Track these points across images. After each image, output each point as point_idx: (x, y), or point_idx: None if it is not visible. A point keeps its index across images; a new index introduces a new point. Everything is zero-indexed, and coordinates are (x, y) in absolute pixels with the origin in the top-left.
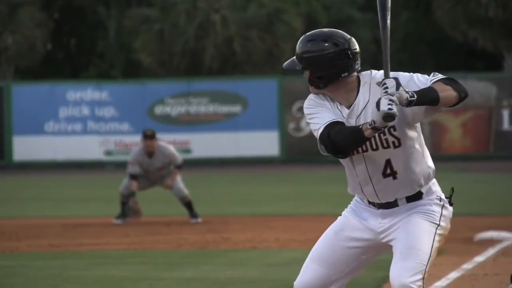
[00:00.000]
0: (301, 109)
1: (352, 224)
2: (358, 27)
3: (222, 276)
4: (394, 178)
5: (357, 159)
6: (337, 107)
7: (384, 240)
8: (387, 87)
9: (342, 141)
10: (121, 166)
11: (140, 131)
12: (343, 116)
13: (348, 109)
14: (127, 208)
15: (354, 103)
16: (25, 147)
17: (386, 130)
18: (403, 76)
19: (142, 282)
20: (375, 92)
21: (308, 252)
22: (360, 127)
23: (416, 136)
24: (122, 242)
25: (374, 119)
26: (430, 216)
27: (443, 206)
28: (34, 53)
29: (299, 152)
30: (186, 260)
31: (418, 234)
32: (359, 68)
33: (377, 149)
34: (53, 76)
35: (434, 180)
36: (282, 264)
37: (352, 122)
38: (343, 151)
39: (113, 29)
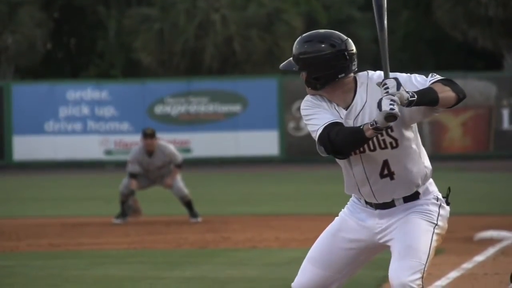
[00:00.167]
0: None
1: (349, 225)
2: (358, 26)
3: (222, 276)
4: (392, 178)
5: (354, 160)
6: (335, 108)
7: (381, 241)
8: (387, 87)
9: (342, 142)
10: (121, 165)
11: (140, 130)
12: (341, 117)
13: (346, 110)
14: (127, 207)
15: (352, 104)
16: (25, 147)
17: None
18: (401, 76)
19: (142, 281)
20: (373, 92)
21: (308, 252)
22: (361, 127)
23: (413, 137)
24: (122, 241)
25: (375, 119)
26: (428, 216)
27: (440, 206)
28: (34, 52)
29: (299, 151)
30: (186, 259)
31: (416, 233)
32: (356, 69)
33: (374, 150)
34: (53, 75)
35: (431, 180)
36: (282, 264)
37: (350, 123)
38: (343, 152)
39: (113, 28)
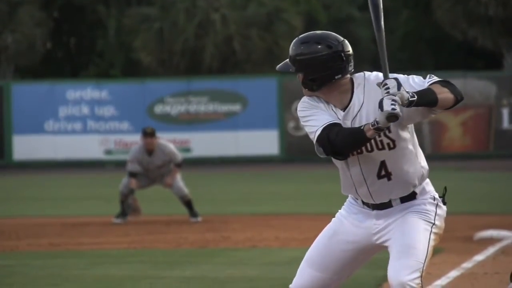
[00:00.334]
0: None
1: (346, 227)
2: (357, 26)
3: (222, 275)
4: (389, 179)
5: (352, 161)
6: (332, 109)
7: (378, 242)
8: (388, 88)
9: (342, 143)
10: (121, 165)
11: (140, 130)
12: (338, 118)
13: (343, 111)
14: (126, 206)
15: (350, 105)
16: (25, 146)
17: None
18: (399, 77)
19: (142, 281)
20: (370, 93)
21: (306, 253)
22: (362, 128)
23: (409, 137)
24: (122, 241)
25: (377, 120)
26: (425, 215)
27: (437, 205)
28: (34, 52)
29: (298, 151)
30: (186, 259)
31: (414, 233)
32: (353, 70)
33: (372, 150)
34: (53, 75)
35: (427, 180)
36: (282, 263)
37: (347, 124)
38: (342, 152)
39: (113, 28)
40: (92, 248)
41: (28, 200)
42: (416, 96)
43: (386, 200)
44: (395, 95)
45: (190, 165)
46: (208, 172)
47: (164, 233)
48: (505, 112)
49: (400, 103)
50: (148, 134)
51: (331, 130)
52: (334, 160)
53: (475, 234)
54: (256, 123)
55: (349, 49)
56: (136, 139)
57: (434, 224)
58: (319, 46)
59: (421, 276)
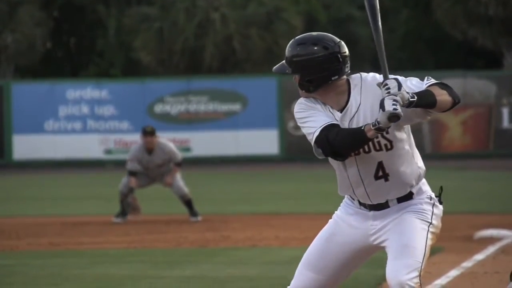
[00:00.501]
0: None
1: (343, 228)
2: (357, 25)
3: (222, 275)
4: (386, 180)
5: (349, 162)
6: (329, 110)
7: (375, 242)
8: (389, 88)
9: (342, 143)
10: (121, 164)
11: (140, 129)
12: (336, 119)
13: (341, 113)
14: (126, 204)
15: (347, 106)
16: (25, 146)
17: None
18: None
19: (142, 280)
20: (366, 94)
21: (303, 256)
22: (362, 128)
23: (406, 138)
24: (122, 240)
25: (378, 120)
26: (422, 215)
27: (433, 205)
28: (34, 51)
29: (298, 150)
30: (186, 258)
31: (412, 232)
32: (349, 71)
33: (369, 151)
34: (52, 74)
35: (424, 180)
36: (282, 263)
37: (345, 125)
38: (342, 153)
39: (112, 27)
40: (92, 247)
41: (28, 199)
42: (416, 97)
43: (383, 201)
44: (396, 95)
45: (190, 164)
46: (208, 172)
47: (164, 232)
48: (505, 111)
49: (402, 103)
50: (148, 133)
51: (330, 130)
52: (331, 161)
53: (475, 233)
54: (256, 123)
55: (346, 50)
56: (136, 138)
57: (431, 223)
58: (316, 48)
59: (419, 275)
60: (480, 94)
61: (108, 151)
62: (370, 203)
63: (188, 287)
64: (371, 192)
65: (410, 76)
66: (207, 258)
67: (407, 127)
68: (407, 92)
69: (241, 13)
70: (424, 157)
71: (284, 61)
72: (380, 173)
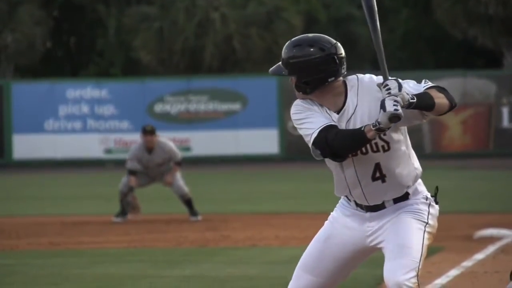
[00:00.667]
0: None
1: (339, 230)
2: (357, 25)
3: (222, 274)
4: (383, 181)
5: (346, 163)
6: (326, 112)
7: (372, 244)
8: (389, 88)
9: (341, 144)
10: (121, 164)
11: (140, 129)
12: (333, 120)
13: (338, 114)
14: (126, 203)
15: (344, 107)
16: (25, 146)
17: None
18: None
19: (142, 280)
20: (363, 96)
21: (300, 258)
22: (362, 129)
23: (402, 139)
24: (122, 240)
25: (379, 120)
26: (418, 215)
27: (429, 205)
28: (34, 51)
29: (298, 150)
30: (186, 258)
31: (408, 233)
32: (345, 72)
33: (366, 153)
34: (52, 74)
35: (419, 180)
36: (282, 262)
37: (342, 127)
38: (341, 154)
39: (112, 27)
40: (92, 247)
41: (28, 199)
42: (415, 99)
43: (379, 202)
44: (396, 96)
45: (190, 164)
46: (208, 171)
47: (164, 232)
48: (505, 110)
49: (402, 104)
50: (148, 132)
51: (329, 131)
52: (327, 162)
53: (475, 233)
54: (256, 122)
55: (342, 51)
56: (136, 138)
57: (427, 223)
58: (312, 49)
59: (417, 275)
60: (480, 93)
61: (108, 151)
62: (367, 204)
63: (188, 287)
64: (368, 193)
65: (410, 76)
66: (207, 257)
67: (404, 129)
68: (407, 93)
69: (241, 12)
70: (424, 157)
71: (280, 62)
72: (377, 174)
